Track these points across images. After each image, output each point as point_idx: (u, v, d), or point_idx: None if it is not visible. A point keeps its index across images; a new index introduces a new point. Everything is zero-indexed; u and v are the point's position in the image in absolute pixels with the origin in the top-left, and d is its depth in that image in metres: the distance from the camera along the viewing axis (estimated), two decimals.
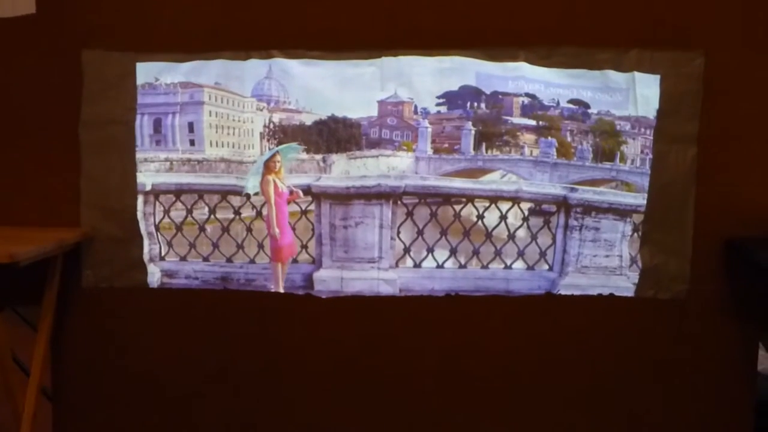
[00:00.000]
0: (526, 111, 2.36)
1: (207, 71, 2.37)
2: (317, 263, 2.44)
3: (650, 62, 2.25)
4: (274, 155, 2.37)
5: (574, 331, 2.36)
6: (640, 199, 2.32)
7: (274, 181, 2.38)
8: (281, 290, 2.43)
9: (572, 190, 2.37)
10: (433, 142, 2.39)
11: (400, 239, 2.43)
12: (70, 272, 2.36)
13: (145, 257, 2.42)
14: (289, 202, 2.41)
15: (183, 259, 2.46)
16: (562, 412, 2.38)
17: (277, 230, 2.40)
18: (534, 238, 2.41)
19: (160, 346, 2.43)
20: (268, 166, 2.38)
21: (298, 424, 2.44)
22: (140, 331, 2.43)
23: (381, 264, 2.42)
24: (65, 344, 2.42)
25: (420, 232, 2.43)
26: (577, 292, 2.37)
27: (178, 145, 2.40)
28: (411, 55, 2.31)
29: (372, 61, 2.31)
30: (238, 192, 2.41)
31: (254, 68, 2.35)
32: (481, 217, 2.43)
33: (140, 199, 2.40)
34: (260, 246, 2.45)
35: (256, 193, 2.40)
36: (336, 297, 2.41)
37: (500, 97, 2.35)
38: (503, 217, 2.41)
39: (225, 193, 2.43)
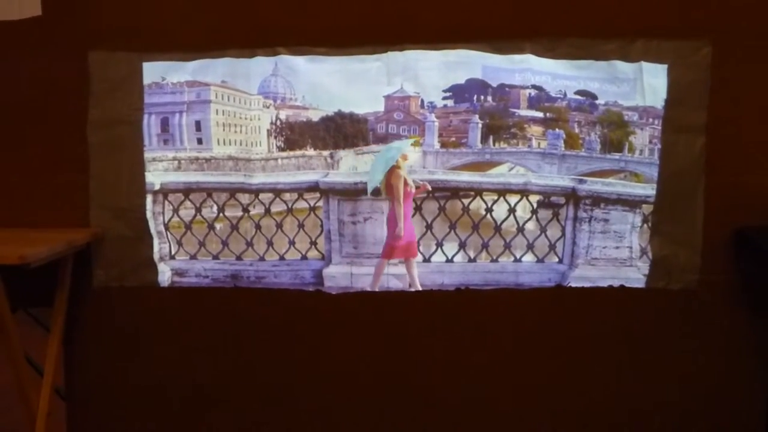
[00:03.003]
0: (533, 103, 2.35)
1: (213, 70, 2.37)
2: (326, 259, 2.45)
3: (657, 52, 2.24)
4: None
5: (584, 323, 2.36)
6: (649, 190, 2.31)
7: (404, 177, 2.37)
8: (377, 289, 2.41)
9: (581, 181, 2.37)
10: (440, 135, 2.39)
11: None
12: (80, 272, 2.37)
13: (156, 256, 2.43)
14: (414, 197, 2.39)
15: (193, 257, 2.47)
16: (574, 403, 2.38)
17: (402, 228, 2.38)
18: (543, 230, 2.41)
19: (171, 344, 2.43)
20: (397, 162, 2.37)
21: (309, 417, 2.44)
22: (151, 330, 2.44)
23: (390, 259, 2.42)
24: (77, 344, 2.43)
25: (429, 227, 2.43)
26: (587, 284, 2.36)
27: (185, 143, 2.41)
28: (417, 49, 2.30)
29: (378, 56, 2.31)
30: (246, 190, 2.42)
31: (260, 66, 2.35)
32: (489, 210, 2.43)
33: (149, 198, 2.41)
34: (269, 243, 2.45)
35: (376, 190, 2.38)
36: (346, 293, 2.41)
37: (507, 89, 2.34)
38: (512, 210, 2.41)
39: (233, 191, 2.43)
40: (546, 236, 2.41)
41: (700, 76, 2.23)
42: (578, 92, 2.33)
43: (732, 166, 2.25)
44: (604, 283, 2.36)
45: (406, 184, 2.37)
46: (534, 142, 2.37)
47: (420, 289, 2.41)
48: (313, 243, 2.46)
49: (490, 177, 2.41)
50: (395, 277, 2.41)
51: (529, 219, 2.42)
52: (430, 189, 2.38)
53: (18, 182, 2.38)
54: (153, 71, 2.36)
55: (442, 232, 2.43)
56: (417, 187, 2.38)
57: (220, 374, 2.44)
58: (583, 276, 2.37)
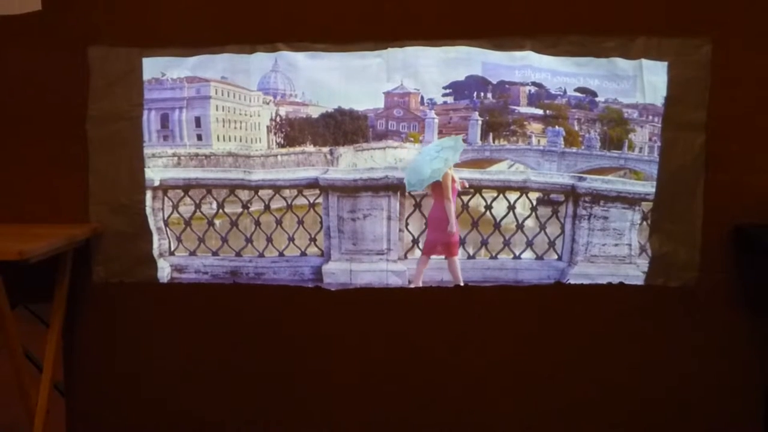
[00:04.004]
0: (533, 100, 2.35)
1: (213, 65, 2.36)
2: (326, 256, 2.45)
3: (657, 49, 2.24)
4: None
5: (583, 321, 2.36)
6: (648, 188, 2.31)
7: (452, 175, 2.37)
8: (420, 284, 2.42)
9: (580, 179, 2.37)
10: (439, 132, 2.39)
11: (408, 231, 2.43)
12: (80, 268, 2.37)
13: (155, 252, 2.43)
14: (458, 194, 2.40)
15: (192, 253, 2.47)
16: (573, 400, 2.38)
17: (454, 224, 2.39)
18: (542, 227, 2.41)
19: (170, 341, 2.44)
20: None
21: (307, 414, 2.45)
22: (151, 326, 2.44)
23: (390, 256, 2.42)
24: (77, 340, 2.43)
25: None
26: (586, 282, 2.36)
27: (185, 139, 2.41)
28: (417, 45, 2.30)
29: (378, 52, 2.31)
30: (246, 186, 2.41)
31: (260, 62, 2.34)
32: (489, 207, 2.43)
33: (149, 194, 2.41)
34: (269, 240, 2.45)
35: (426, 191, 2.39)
36: (345, 289, 2.41)
37: (507, 86, 2.34)
38: (511, 207, 2.42)
39: (233, 187, 2.43)
40: (545, 233, 2.42)
41: (701, 73, 2.23)
42: (578, 89, 2.33)
43: (732, 164, 2.25)
44: (604, 281, 2.36)
45: (453, 180, 2.37)
46: (534, 140, 2.37)
47: (424, 286, 2.41)
48: (313, 239, 2.46)
49: (489, 174, 2.41)
50: (394, 273, 2.41)
51: (529, 216, 2.42)
52: (467, 186, 2.39)
53: (17, 177, 2.38)
54: (153, 67, 2.36)
55: None
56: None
57: (220, 370, 2.44)
58: (583, 273, 2.38)
